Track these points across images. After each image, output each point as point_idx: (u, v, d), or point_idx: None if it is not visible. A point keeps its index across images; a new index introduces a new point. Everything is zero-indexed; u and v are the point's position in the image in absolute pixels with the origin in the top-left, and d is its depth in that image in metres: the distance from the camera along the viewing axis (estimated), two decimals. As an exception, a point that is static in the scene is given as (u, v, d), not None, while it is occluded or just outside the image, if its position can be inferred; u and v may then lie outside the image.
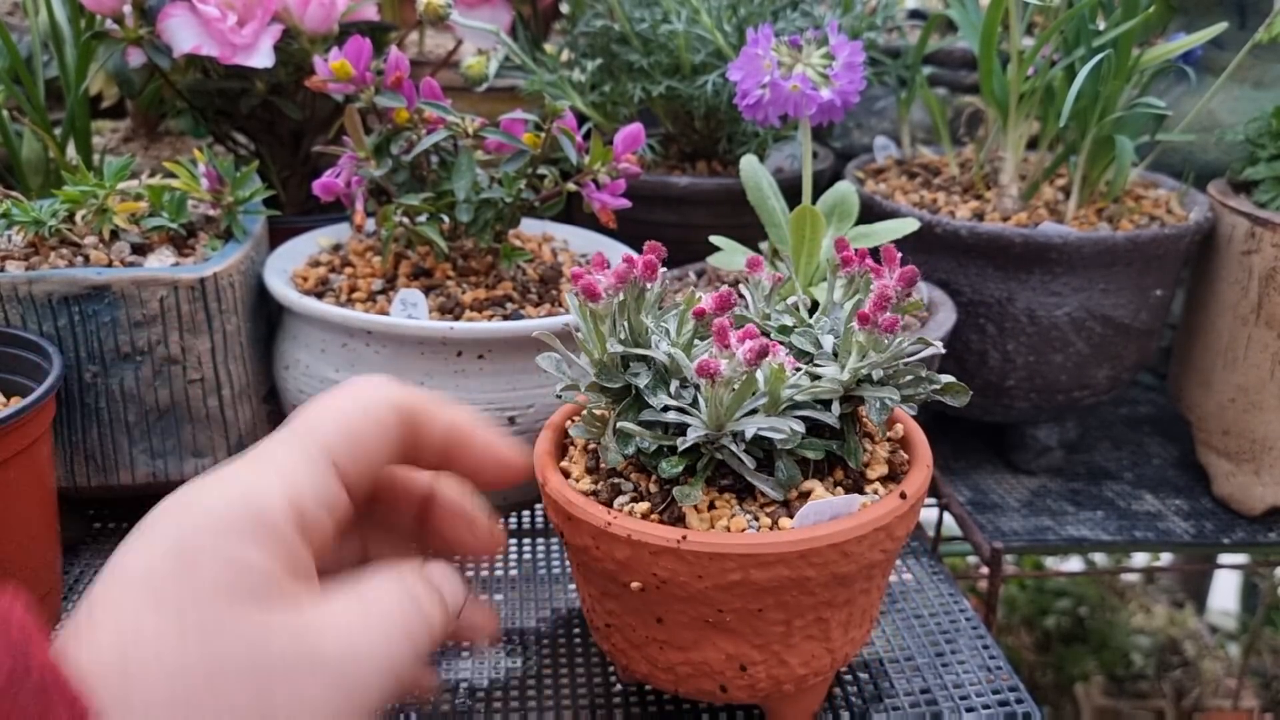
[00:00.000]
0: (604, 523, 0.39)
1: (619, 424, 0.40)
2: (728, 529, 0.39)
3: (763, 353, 0.37)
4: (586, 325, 0.41)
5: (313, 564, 0.28)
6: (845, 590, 0.41)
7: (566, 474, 0.44)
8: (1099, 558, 1.35)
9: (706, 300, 0.39)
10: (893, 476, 0.44)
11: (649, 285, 0.41)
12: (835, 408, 0.41)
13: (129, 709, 0.23)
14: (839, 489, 0.42)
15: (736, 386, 0.37)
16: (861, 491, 0.42)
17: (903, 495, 0.41)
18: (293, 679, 0.25)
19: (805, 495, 0.41)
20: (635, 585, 0.40)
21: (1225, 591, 1.49)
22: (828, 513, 0.39)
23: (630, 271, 0.40)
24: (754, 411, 0.39)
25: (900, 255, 0.43)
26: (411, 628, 0.29)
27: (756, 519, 0.40)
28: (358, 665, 0.27)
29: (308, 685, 0.25)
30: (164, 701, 0.23)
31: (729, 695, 0.43)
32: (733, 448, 0.39)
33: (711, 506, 0.41)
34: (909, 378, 0.42)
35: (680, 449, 0.39)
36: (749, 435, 0.38)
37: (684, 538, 0.38)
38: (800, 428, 0.39)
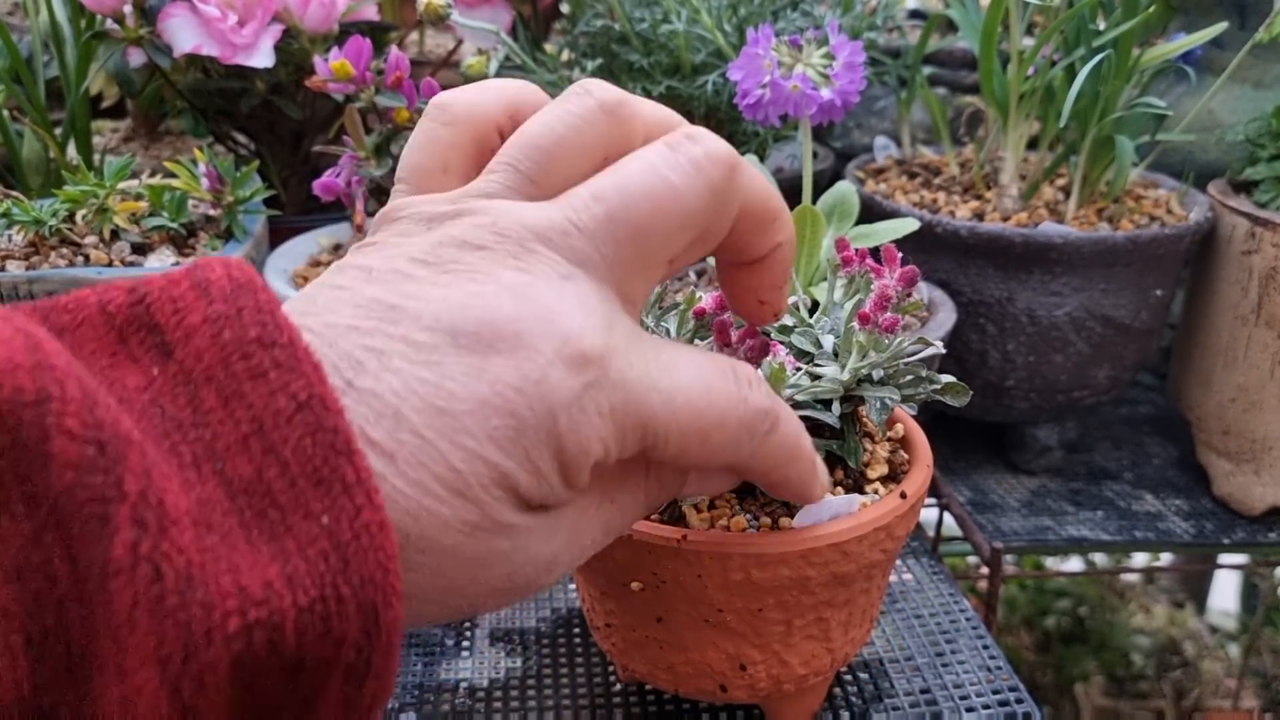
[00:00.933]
0: None
1: None
2: (727, 528, 0.39)
3: (763, 350, 0.37)
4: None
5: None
6: (845, 590, 0.41)
7: None
8: (1099, 558, 1.35)
9: (706, 300, 0.39)
10: (893, 476, 0.44)
11: None
12: (835, 407, 0.41)
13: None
14: (839, 489, 0.42)
15: None
16: (862, 491, 0.42)
17: (903, 495, 0.41)
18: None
19: None
20: (635, 585, 0.40)
21: (1225, 592, 1.49)
22: (827, 512, 0.39)
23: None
24: None
25: (901, 255, 0.43)
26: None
27: (756, 518, 0.40)
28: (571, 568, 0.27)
29: (534, 583, 0.26)
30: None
31: (729, 695, 0.43)
32: None
33: (711, 506, 0.41)
34: (909, 377, 0.42)
35: None
36: None
37: (684, 537, 0.38)
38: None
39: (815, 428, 0.41)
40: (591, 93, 0.27)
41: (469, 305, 0.23)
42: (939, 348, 0.43)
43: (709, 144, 0.26)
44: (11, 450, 0.18)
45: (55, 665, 0.18)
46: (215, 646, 0.19)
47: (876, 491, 0.42)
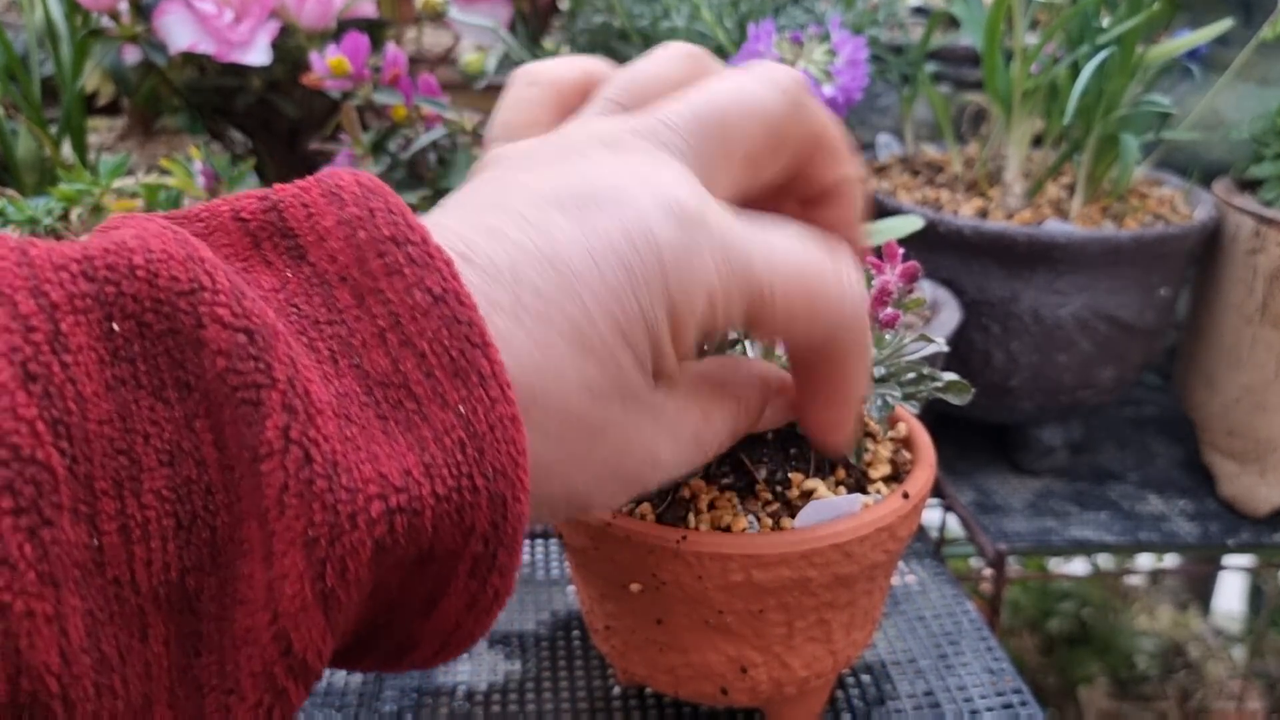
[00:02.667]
0: (603, 524, 0.38)
1: None
2: (728, 529, 0.39)
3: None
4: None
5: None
6: (847, 591, 0.40)
7: None
8: (1103, 560, 1.35)
9: None
10: (896, 476, 0.43)
11: None
12: None
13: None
14: (841, 489, 0.41)
15: None
16: (864, 491, 0.42)
17: (905, 495, 0.40)
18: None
19: (807, 494, 0.40)
20: (635, 587, 0.39)
21: (1230, 593, 1.48)
22: (830, 512, 0.38)
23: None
24: None
25: (902, 251, 0.42)
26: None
27: (758, 519, 0.39)
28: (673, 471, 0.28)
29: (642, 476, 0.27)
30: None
31: (730, 698, 0.42)
32: None
33: (712, 506, 0.40)
34: (911, 375, 0.42)
35: None
36: None
37: (684, 538, 0.37)
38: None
39: None
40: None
41: (570, 179, 0.25)
42: (941, 345, 0.42)
43: (782, 68, 0.29)
44: (166, 337, 0.19)
45: (200, 550, 0.19)
46: (360, 530, 0.19)
47: (879, 491, 0.42)
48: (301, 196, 0.23)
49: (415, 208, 0.62)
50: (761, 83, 0.28)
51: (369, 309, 0.21)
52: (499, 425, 0.21)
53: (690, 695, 0.43)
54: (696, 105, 0.27)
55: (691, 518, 0.39)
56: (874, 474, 0.43)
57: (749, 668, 0.41)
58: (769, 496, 0.41)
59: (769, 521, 0.39)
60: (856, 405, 0.32)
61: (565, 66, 0.31)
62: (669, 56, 0.30)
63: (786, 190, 0.32)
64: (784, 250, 0.26)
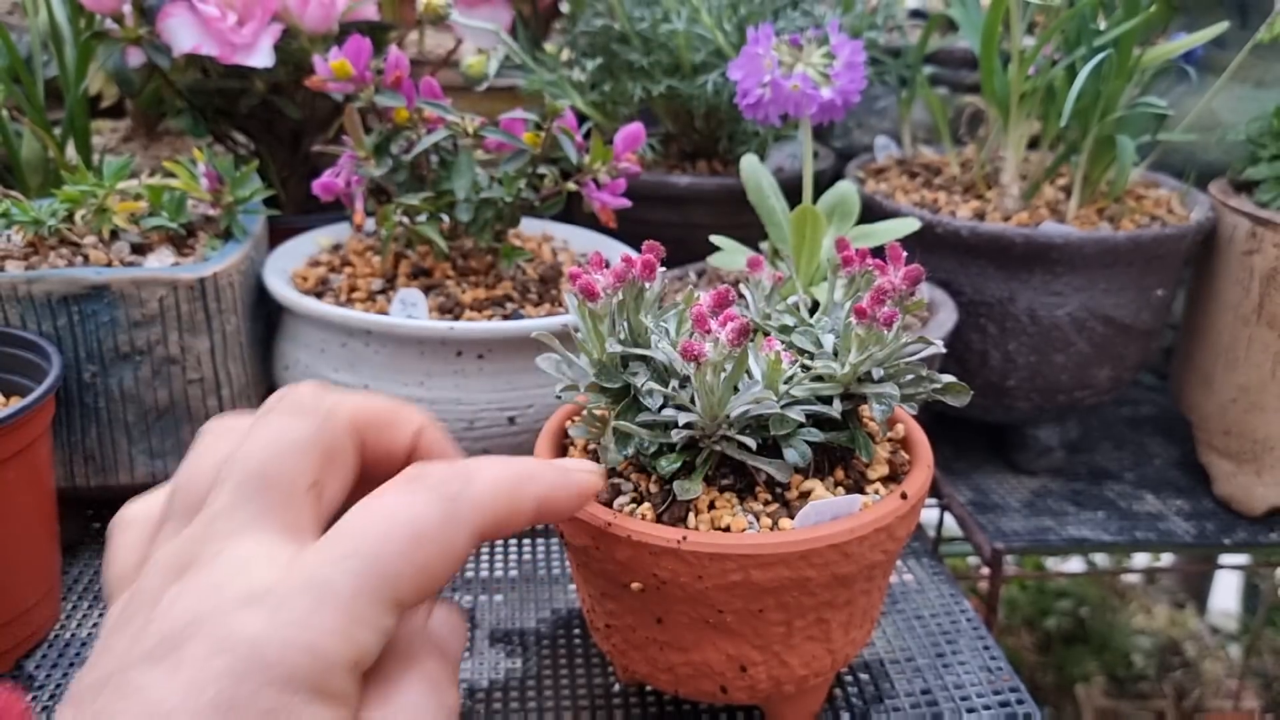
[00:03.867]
0: (604, 523, 0.39)
1: (616, 423, 0.40)
2: (727, 529, 0.39)
3: (744, 331, 0.36)
4: (585, 325, 0.41)
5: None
6: (846, 591, 0.41)
7: None
8: (1100, 558, 1.35)
9: (704, 298, 0.39)
10: (894, 477, 0.44)
11: (648, 285, 0.41)
12: (836, 405, 0.40)
13: None
14: (839, 489, 0.42)
15: (728, 369, 0.37)
16: (862, 492, 0.42)
17: (904, 495, 0.41)
18: None
19: (806, 495, 0.41)
20: (635, 586, 0.40)
21: (1226, 592, 1.49)
22: (829, 513, 0.39)
23: (629, 271, 0.40)
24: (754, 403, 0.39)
25: (905, 254, 0.43)
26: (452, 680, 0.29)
27: (757, 519, 0.40)
28: None
29: None
30: None
31: (729, 696, 0.43)
32: (730, 433, 0.39)
33: (712, 506, 0.41)
34: (910, 376, 0.42)
35: (677, 443, 0.39)
36: (734, 415, 0.38)
37: (684, 538, 0.38)
38: (799, 416, 0.39)
39: (818, 426, 0.41)
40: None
41: (152, 625, 0.24)
42: (939, 346, 0.43)
43: (297, 392, 0.30)
44: None
45: None
46: None
47: (877, 491, 0.42)
48: None
49: (416, 209, 0.63)
50: (281, 416, 0.28)
51: None
52: None
53: (690, 693, 0.44)
54: (234, 474, 0.27)
55: (691, 518, 0.40)
56: (872, 474, 0.43)
57: (748, 666, 0.41)
58: (768, 497, 0.41)
59: (768, 522, 0.40)
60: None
61: (149, 501, 0.31)
62: (208, 440, 0.30)
63: (383, 474, 0.31)
64: (383, 535, 0.26)
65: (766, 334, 0.44)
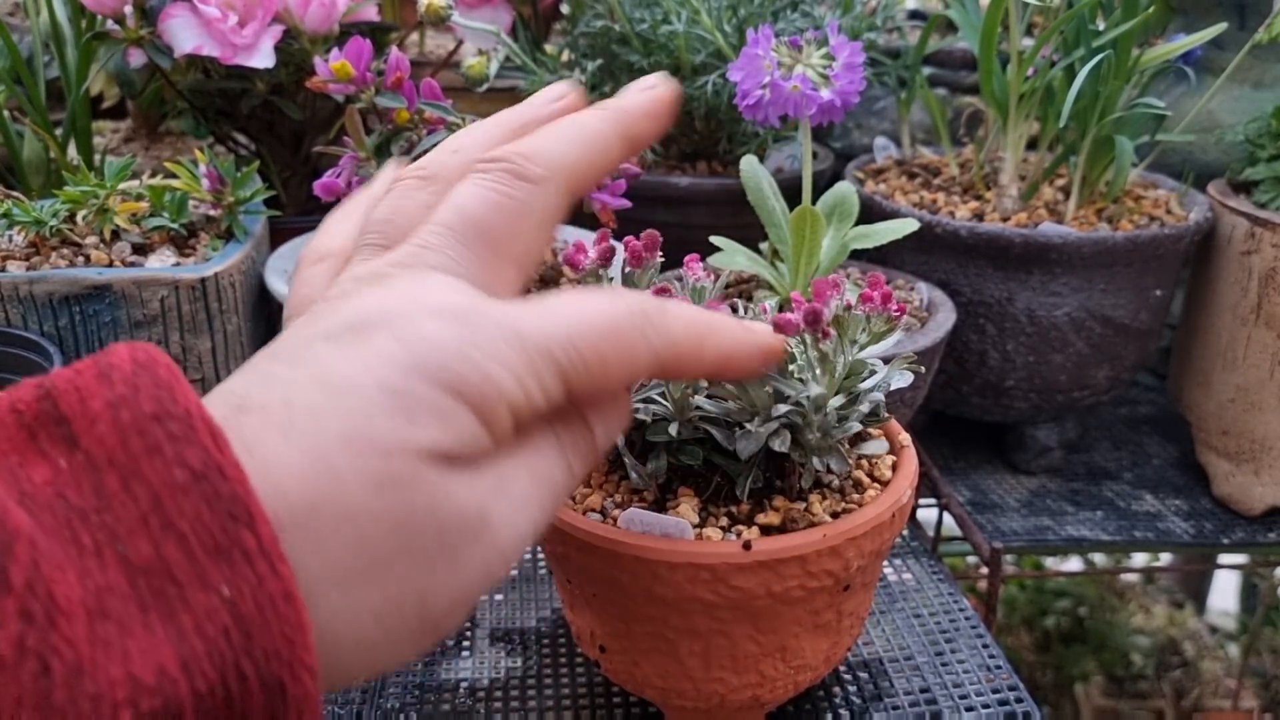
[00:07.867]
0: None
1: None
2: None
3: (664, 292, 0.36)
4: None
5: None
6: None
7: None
8: (1098, 558, 1.35)
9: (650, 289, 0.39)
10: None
11: (603, 271, 0.41)
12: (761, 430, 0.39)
13: (309, 542, 0.22)
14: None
15: None
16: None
17: (745, 546, 0.38)
18: (468, 545, 0.25)
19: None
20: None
21: (1225, 592, 1.49)
22: (656, 527, 0.38)
23: (611, 250, 0.40)
24: (712, 398, 0.39)
25: (883, 280, 0.41)
26: (561, 499, 0.29)
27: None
28: (518, 544, 0.27)
29: (474, 553, 0.25)
30: (349, 547, 0.22)
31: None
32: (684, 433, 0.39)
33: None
34: (866, 407, 0.41)
35: (649, 439, 0.40)
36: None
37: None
38: (673, 432, 0.39)
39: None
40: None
41: (338, 317, 0.25)
42: (905, 380, 0.42)
43: (515, 155, 0.30)
44: None
45: None
46: None
47: (785, 527, 0.40)
48: (76, 380, 0.22)
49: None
50: (500, 182, 0.29)
51: (132, 492, 0.21)
52: (268, 604, 0.20)
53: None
54: (448, 220, 0.28)
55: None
56: (815, 509, 0.42)
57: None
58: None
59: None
60: (721, 336, 0.31)
61: (340, 231, 0.32)
62: (409, 187, 0.30)
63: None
64: (576, 314, 0.27)
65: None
